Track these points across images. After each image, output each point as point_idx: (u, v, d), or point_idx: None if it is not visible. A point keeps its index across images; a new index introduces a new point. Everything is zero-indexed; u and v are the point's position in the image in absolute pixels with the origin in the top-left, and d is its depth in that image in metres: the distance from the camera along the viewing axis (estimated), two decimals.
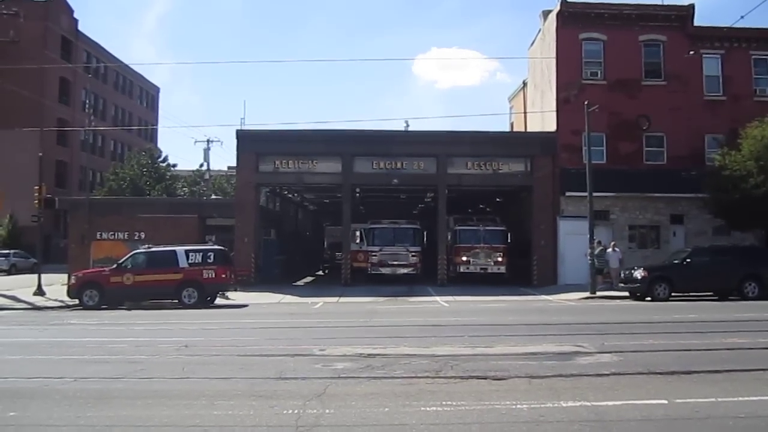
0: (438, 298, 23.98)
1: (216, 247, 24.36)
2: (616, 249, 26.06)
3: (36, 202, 26.53)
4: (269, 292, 26.13)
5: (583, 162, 26.36)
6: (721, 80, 30.30)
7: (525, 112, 37.89)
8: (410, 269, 31.20)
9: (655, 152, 30.02)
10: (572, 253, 28.20)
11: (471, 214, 36.39)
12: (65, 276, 26.64)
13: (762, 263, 23.04)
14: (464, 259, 30.37)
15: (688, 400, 7.50)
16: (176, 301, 21.89)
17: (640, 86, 29.99)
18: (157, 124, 78.54)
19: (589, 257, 24.93)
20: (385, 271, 31.02)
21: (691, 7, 30.26)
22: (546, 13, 32.99)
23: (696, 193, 28.09)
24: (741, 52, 30.21)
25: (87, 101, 56.69)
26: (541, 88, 33.72)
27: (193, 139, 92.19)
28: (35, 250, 32.04)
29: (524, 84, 39.61)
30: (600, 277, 25.38)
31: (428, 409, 7.28)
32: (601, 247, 25.94)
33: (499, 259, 30.30)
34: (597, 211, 26.78)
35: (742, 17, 28.75)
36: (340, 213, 31.48)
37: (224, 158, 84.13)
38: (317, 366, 9.96)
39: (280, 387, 8.52)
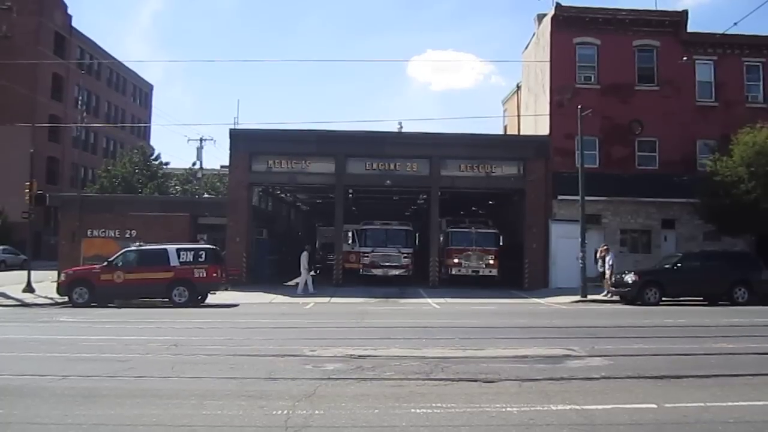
0: (429, 300, 23.97)
1: (208, 246, 24.29)
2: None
3: (27, 198, 26.35)
4: (260, 291, 26.06)
5: (576, 166, 26.43)
6: (713, 86, 30.47)
7: (518, 116, 37.97)
8: (402, 271, 31.17)
9: (648, 157, 30.15)
10: (564, 256, 28.26)
11: (463, 216, 36.43)
12: (55, 273, 26.52)
13: (752, 269, 23.19)
14: (456, 261, 30.38)
15: (678, 405, 7.53)
16: (167, 299, 21.80)
17: (633, 91, 30.11)
18: (150, 122, 78.37)
19: (581, 261, 24.94)
20: (376, 272, 30.99)
21: (685, 13, 30.45)
22: (540, 17, 33.09)
23: (687, 199, 28.21)
24: (733, 59, 30.39)
25: (80, 98, 56.34)
26: (534, 91, 33.81)
27: (186, 137, 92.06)
28: (25, 247, 31.83)
29: (518, 87, 39.69)
30: (605, 282, 24.98)
31: (418, 411, 7.27)
32: (604, 254, 25.17)
33: (491, 261, 30.32)
34: (589, 215, 26.82)
35: (735, 24, 29.01)
36: (333, 213, 31.41)
37: (217, 157, 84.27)
38: (307, 367, 9.93)
39: (270, 387, 8.49)
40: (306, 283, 26.59)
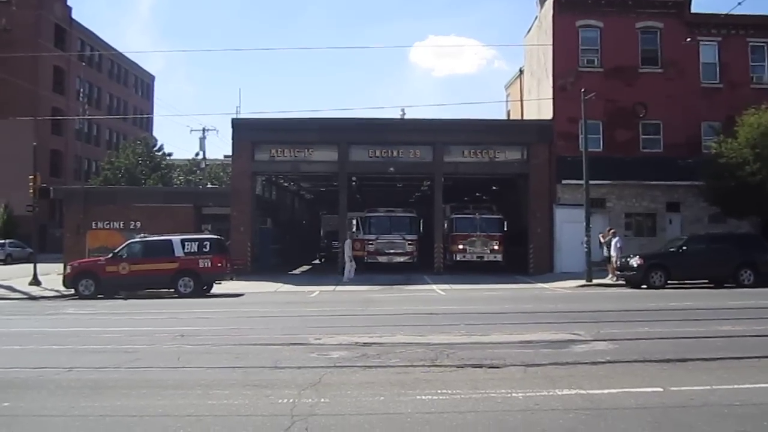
0: (434, 287, 23.98)
1: (212, 236, 24.32)
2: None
3: (31, 191, 26.43)
4: (265, 281, 26.10)
5: (580, 150, 26.32)
6: (718, 67, 30.22)
7: (521, 100, 37.80)
8: (407, 258, 31.13)
9: (652, 140, 30.00)
10: (569, 241, 28.24)
11: (467, 202, 36.38)
12: (61, 266, 26.62)
13: (757, 251, 23.07)
14: (461, 247, 30.35)
15: (684, 388, 7.50)
16: (172, 290, 21.86)
17: (636, 74, 29.90)
18: (152, 113, 78.36)
19: (585, 245, 24.88)
20: (381, 259, 30.95)
21: None
22: (543, 0, 32.82)
23: (692, 181, 28.09)
24: (738, 39, 30.13)
25: (81, 90, 56.36)
26: (537, 75, 33.61)
27: (189, 127, 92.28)
28: (31, 240, 31.95)
29: (521, 72, 39.48)
30: (610, 266, 24.85)
31: (424, 397, 7.26)
32: (611, 237, 25.00)
33: (496, 247, 30.29)
34: (593, 199, 26.75)
35: (739, 4, 28.46)
36: (337, 201, 31.42)
37: (220, 147, 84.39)
38: (313, 355, 9.94)
39: (276, 376, 8.50)
40: (349, 270, 26.85)
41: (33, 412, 6.98)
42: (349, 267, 27.03)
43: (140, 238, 23.15)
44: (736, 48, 30.06)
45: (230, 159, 34.31)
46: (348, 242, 27.94)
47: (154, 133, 74.20)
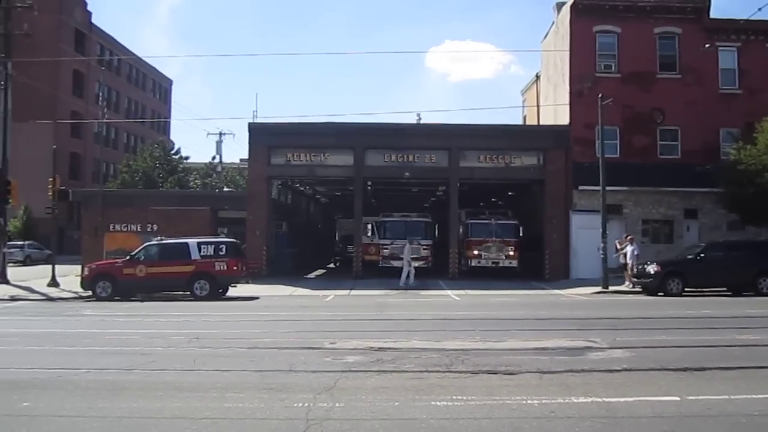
0: (449, 292, 23.93)
1: (228, 239, 24.43)
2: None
3: (50, 194, 26.72)
4: (281, 284, 26.17)
5: (596, 156, 26.18)
6: (736, 73, 29.93)
7: (538, 105, 37.66)
8: (422, 262, 31.02)
9: (669, 146, 29.75)
10: (585, 247, 28.04)
11: (483, 207, 36.27)
12: (79, 267, 26.87)
13: None
14: (476, 252, 30.27)
15: (701, 397, 7.43)
16: (188, 293, 21.98)
17: (654, 79, 29.70)
18: (169, 117, 79.16)
19: (601, 252, 24.71)
20: (396, 264, 30.85)
21: None
22: (560, 5, 32.74)
23: (710, 188, 27.83)
24: (757, 45, 29.81)
25: (100, 94, 56.98)
26: (554, 81, 33.49)
27: (206, 131, 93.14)
28: (49, 242, 32.30)
29: (537, 77, 39.36)
30: (627, 273, 24.58)
31: (438, 403, 7.26)
32: (627, 244, 24.77)
33: (511, 252, 30.18)
34: (610, 205, 26.57)
35: (759, 9, 28.20)
36: (352, 206, 31.44)
37: (236, 151, 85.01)
38: (328, 359, 9.96)
39: (291, 380, 8.52)
40: (408, 275, 26.09)
41: (52, 413, 7.06)
42: (407, 271, 26.11)
43: (157, 240, 23.32)
44: (756, 54, 29.73)
45: (246, 163, 34.50)
46: (408, 247, 26.91)
47: (172, 137, 75.09)
